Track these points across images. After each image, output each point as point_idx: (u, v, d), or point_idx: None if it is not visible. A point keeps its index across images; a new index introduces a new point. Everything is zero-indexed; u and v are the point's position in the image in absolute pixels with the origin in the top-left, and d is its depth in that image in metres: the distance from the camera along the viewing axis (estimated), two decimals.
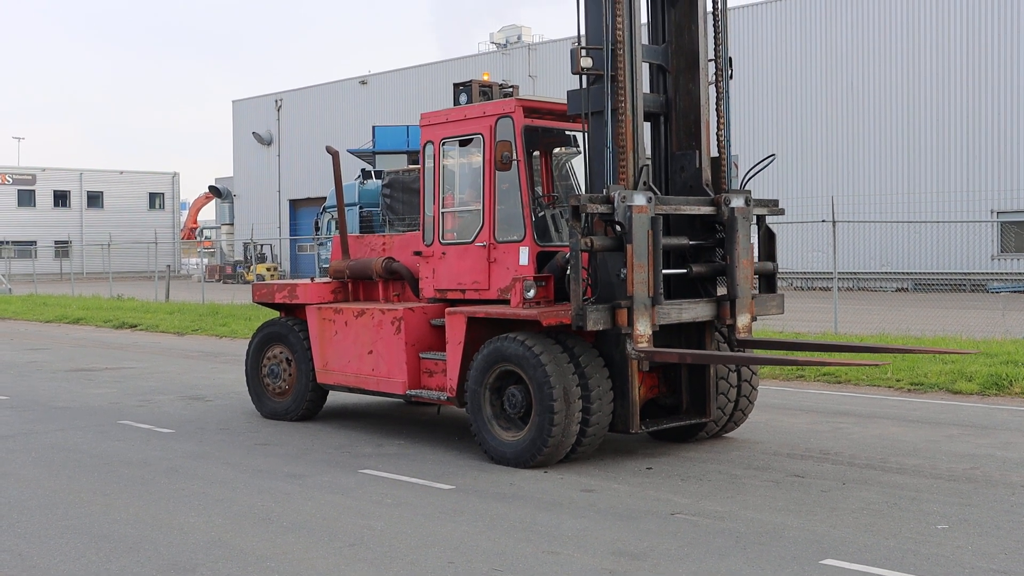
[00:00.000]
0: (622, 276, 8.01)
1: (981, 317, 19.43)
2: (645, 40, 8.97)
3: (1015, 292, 29.11)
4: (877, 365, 8.00)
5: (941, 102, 33.53)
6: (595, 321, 7.95)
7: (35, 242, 63.25)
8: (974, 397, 11.97)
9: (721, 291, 8.86)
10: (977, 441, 9.40)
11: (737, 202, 8.66)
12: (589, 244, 7.96)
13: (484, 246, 9.29)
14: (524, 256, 9.01)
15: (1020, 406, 11.41)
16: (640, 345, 8.06)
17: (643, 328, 8.06)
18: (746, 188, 9.05)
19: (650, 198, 8.13)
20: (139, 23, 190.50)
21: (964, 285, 30.88)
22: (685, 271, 8.70)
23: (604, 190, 8.26)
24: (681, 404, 9.08)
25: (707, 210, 8.66)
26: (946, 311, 21.33)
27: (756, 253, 9.28)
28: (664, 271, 8.31)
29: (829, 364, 8.18)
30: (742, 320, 8.70)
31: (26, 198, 69.04)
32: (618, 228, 8.16)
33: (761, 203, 9.07)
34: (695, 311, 8.61)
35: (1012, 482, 7.79)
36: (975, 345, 14.38)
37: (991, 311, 20.55)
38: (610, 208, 8.05)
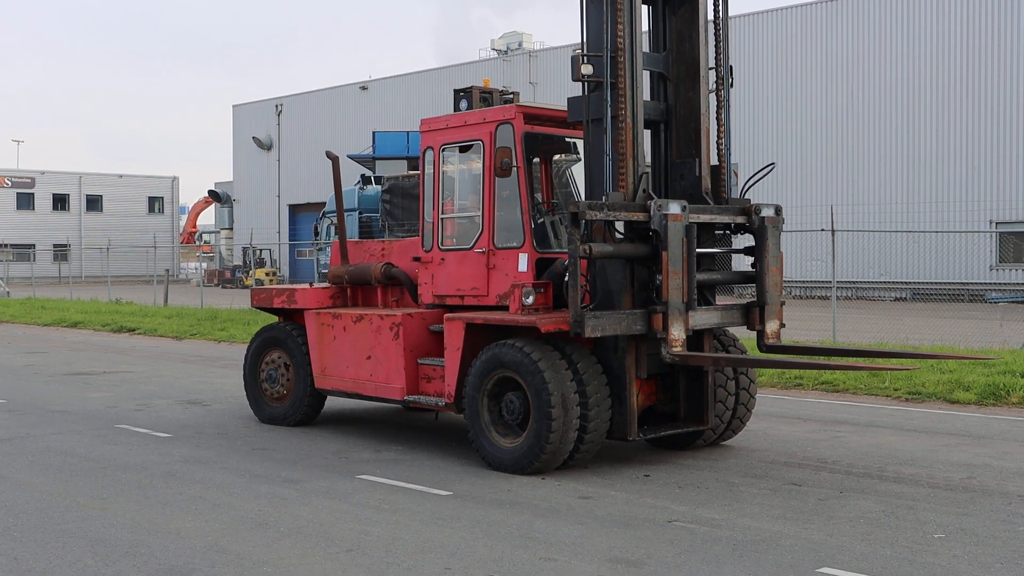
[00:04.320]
0: (657, 282, 8.12)
1: (979, 327, 19.45)
2: (646, 48, 8.99)
3: (1013, 302, 29.13)
4: (907, 369, 8.17)
5: (940, 112, 33.59)
6: (593, 328, 7.95)
7: (34, 245, 63.24)
8: (972, 407, 11.97)
9: (723, 300, 8.91)
10: (974, 451, 9.40)
11: (767, 212, 8.84)
12: (588, 251, 7.97)
13: (483, 252, 9.29)
14: (523, 263, 9.01)
15: (1017, 416, 11.41)
16: (675, 349, 8.15)
17: (677, 332, 8.17)
18: (745, 197, 9.09)
19: (684, 206, 8.23)
20: (140, 27, 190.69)
21: (962, 295, 30.90)
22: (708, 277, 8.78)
23: (604, 196, 8.29)
24: (679, 412, 9.08)
25: (739, 219, 8.82)
26: (944, 320, 21.34)
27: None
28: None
29: (856, 368, 8.35)
30: (771, 326, 8.84)
31: (25, 201, 69.04)
32: (620, 234, 8.20)
33: None
34: (725, 316, 8.75)
35: (1009, 492, 7.79)
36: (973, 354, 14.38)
37: (989, 321, 20.57)
38: (645, 216, 8.12)
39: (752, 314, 8.85)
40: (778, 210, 8.94)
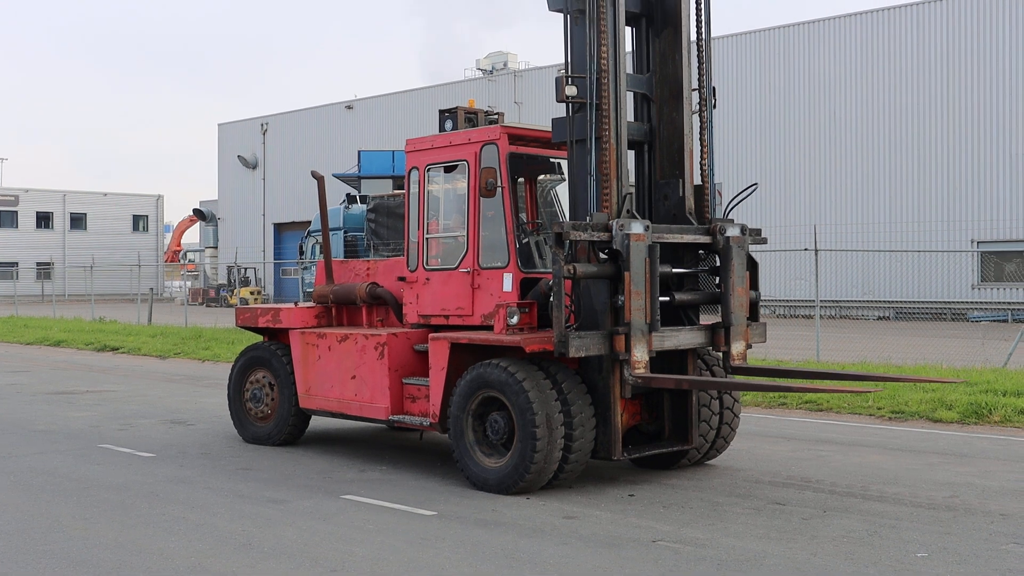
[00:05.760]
0: (619, 303, 8.06)
1: (961, 346, 19.55)
2: (630, 69, 9.05)
3: (995, 321, 29.30)
4: (870, 392, 8.10)
5: (922, 132, 33.84)
6: (578, 348, 7.97)
7: (17, 263, 62.86)
8: (954, 425, 12.04)
9: (706, 319, 8.92)
10: (957, 469, 9.45)
11: (732, 231, 8.78)
12: (572, 271, 8.00)
13: (468, 272, 9.32)
14: (508, 282, 9.03)
15: (999, 434, 11.48)
16: (637, 371, 8.10)
17: (640, 354, 8.12)
18: (729, 217, 9.13)
19: (647, 226, 8.20)
20: (125, 45, 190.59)
21: (945, 314, 31.05)
22: (668, 299, 8.75)
23: (588, 217, 8.31)
24: (663, 431, 9.10)
25: (703, 239, 8.75)
26: (927, 339, 21.44)
27: None
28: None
29: (820, 391, 8.24)
30: (737, 347, 8.77)
31: (8, 219, 68.72)
32: (604, 255, 8.21)
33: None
34: (689, 338, 8.67)
35: (991, 511, 7.83)
36: (955, 374, 14.48)
37: (971, 340, 20.68)
38: (608, 236, 8.11)
39: (717, 335, 8.75)
40: (744, 229, 8.86)
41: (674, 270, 8.86)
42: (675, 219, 8.89)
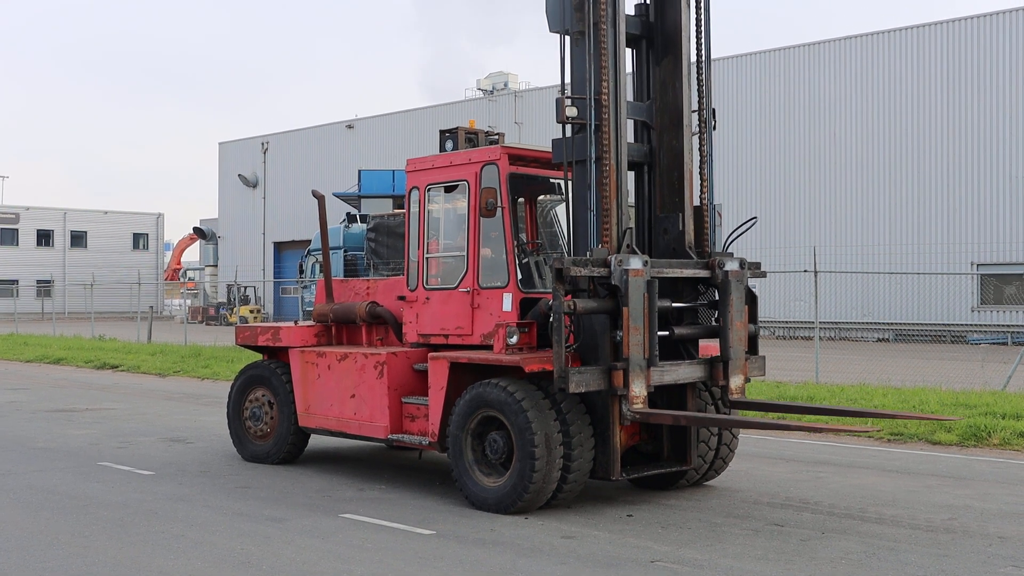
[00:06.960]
0: (618, 338, 8.07)
1: (961, 368, 19.54)
2: (630, 96, 9.06)
3: (994, 344, 29.31)
4: (867, 431, 8.03)
5: (922, 154, 33.95)
6: (577, 384, 7.96)
7: (17, 281, 62.88)
8: (953, 448, 12.04)
9: (705, 353, 8.94)
10: (955, 492, 9.45)
11: (731, 266, 8.77)
12: (572, 307, 8.01)
13: (468, 292, 9.35)
14: (507, 302, 9.06)
15: (998, 457, 11.48)
16: (636, 406, 8.09)
17: (638, 390, 8.11)
18: (728, 250, 9.11)
19: (646, 261, 8.21)
20: (127, 63, 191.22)
21: (944, 336, 31.09)
22: (667, 333, 8.73)
23: (588, 252, 8.31)
24: (662, 451, 9.11)
25: (702, 273, 8.76)
26: (926, 362, 21.45)
27: None
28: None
29: (817, 430, 8.17)
30: (735, 381, 8.75)
31: (9, 237, 68.83)
32: (604, 288, 8.21)
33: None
34: (687, 372, 8.67)
35: (989, 533, 7.83)
36: (954, 396, 14.49)
37: (970, 362, 20.66)
38: (606, 271, 8.12)
39: (716, 369, 8.74)
40: (743, 263, 8.86)
41: (673, 304, 8.85)
42: (675, 253, 8.89)
